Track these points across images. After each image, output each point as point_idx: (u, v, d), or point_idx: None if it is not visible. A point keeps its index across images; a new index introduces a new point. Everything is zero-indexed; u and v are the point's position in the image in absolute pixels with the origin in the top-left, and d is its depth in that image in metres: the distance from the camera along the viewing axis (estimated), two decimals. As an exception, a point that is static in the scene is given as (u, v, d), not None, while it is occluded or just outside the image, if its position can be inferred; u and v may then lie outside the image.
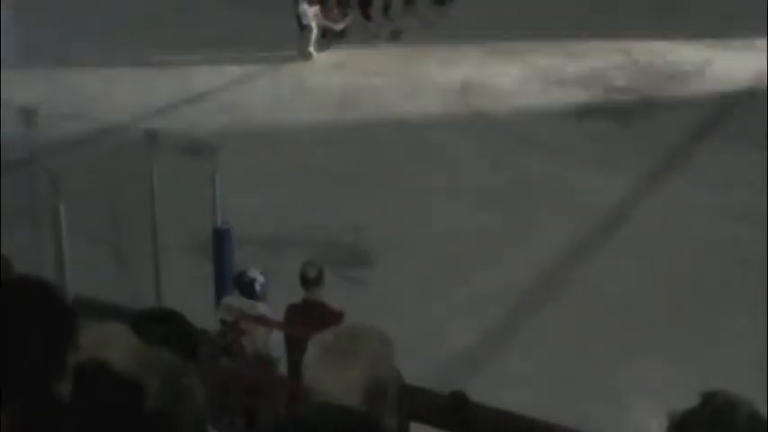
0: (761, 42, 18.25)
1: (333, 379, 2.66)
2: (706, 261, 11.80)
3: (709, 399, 1.63)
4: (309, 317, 7.97)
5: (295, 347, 7.79)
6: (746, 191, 13.36)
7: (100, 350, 2.59)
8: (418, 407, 6.57)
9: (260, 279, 8.47)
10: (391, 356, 2.77)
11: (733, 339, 10.28)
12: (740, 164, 14.28)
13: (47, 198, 9.63)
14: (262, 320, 8.42)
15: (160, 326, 2.94)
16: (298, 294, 8.41)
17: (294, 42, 18.94)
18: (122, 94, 16.51)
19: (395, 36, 20.00)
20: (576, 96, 16.91)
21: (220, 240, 9.38)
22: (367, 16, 20.28)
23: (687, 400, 1.63)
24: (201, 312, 8.49)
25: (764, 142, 14.69)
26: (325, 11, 19.44)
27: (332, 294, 8.70)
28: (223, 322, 8.51)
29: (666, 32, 19.41)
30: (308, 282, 8.31)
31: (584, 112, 16.29)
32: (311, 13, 18.97)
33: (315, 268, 8.42)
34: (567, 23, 20.27)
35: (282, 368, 8.32)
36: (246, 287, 8.46)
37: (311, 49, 19.06)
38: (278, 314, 8.53)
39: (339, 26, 19.69)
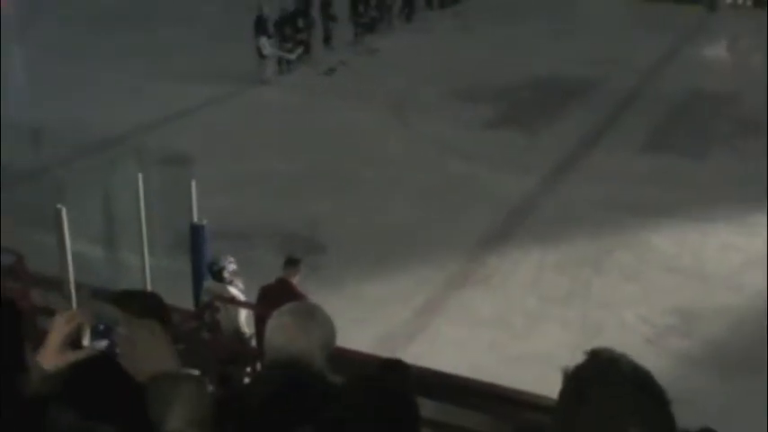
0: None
1: (299, 341, 2.69)
2: (596, 244, 11.99)
3: (595, 355, 1.67)
4: (279, 295, 7.97)
5: (262, 322, 7.77)
6: (628, 186, 13.60)
7: None
8: (360, 372, 6.55)
9: (229, 267, 8.52)
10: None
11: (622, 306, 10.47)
12: (623, 164, 14.53)
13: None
14: (232, 300, 8.44)
15: (138, 301, 2.98)
16: (263, 278, 8.43)
17: (255, 70, 18.87)
18: (113, 114, 16.30)
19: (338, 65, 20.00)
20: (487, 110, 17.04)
21: (196, 235, 9.35)
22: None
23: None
24: (181, 295, 8.52)
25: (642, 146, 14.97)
26: (281, 43, 19.43)
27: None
28: (203, 303, 8.56)
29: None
30: (287, 262, 8.34)
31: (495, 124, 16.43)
32: (269, 45, 18.94)
33: (296, 256, 8.53)
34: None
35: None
36: (217, 273, 8.51)
37: (270, 74, 19.01)
38: (249, 294, 8.54)
39: (293, 55, 19.68)
